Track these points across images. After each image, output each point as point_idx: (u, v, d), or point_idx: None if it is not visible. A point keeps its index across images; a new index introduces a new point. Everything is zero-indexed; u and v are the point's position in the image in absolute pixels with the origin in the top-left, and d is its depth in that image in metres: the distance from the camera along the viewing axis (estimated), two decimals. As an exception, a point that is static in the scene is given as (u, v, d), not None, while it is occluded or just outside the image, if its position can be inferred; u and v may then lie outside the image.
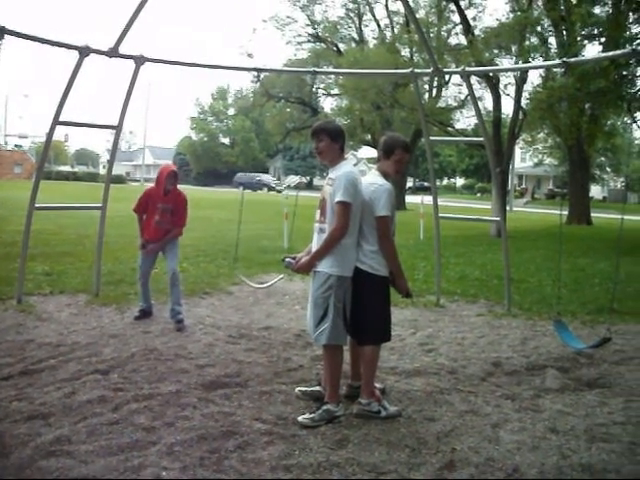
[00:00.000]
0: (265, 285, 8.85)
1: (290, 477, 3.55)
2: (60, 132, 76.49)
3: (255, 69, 8.78)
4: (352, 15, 35.39)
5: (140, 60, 7.83)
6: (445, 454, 3.91)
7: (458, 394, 5.10)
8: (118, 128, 8.23)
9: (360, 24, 35.60)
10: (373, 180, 4.67)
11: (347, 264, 4.51)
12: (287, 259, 4.80)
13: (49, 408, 4.39)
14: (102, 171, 76.50)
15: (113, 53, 7.45)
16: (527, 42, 19.41)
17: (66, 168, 78.45)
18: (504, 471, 3.71)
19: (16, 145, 79.26)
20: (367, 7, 34.55)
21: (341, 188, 4.38)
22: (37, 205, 7.82)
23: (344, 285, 4.50)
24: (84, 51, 7.21)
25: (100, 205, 8.39)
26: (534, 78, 49.27)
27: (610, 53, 9.91)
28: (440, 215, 9.02)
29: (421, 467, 3.74)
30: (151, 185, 7.44)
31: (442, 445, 4.06)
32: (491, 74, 19.62)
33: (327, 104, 41.72)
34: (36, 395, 4.66)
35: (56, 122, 7.49)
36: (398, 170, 4.77)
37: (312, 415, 4.35)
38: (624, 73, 16.82)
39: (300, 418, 4.34)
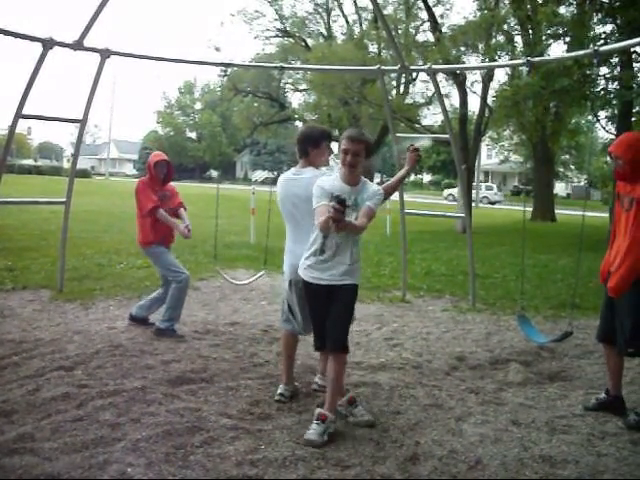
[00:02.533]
0: (246, 282, 8.77)
1: (255, 472, 3.57)
2: (23, 125, 75.28)
3: (222, 64, 8.73)
4: (320, 10, 35.33)
5: (105, 53, 7.75)
6: (409, 447, 3.96)
7: (423, 388, 5.16)
8: (83, 122, 8.14)
9: (328, 19, 35.57)
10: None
11: (286, 266, 4.78)
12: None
13: (12, 405, 4.33)
14: (66, 165, 75.39)
15: (78, 46, 7.36)
16: (493, 40, 19.65)
17: (29, 162, 77.06)
18: (467, 463, 3.77)
19: (-23, 138, 77.68)
20: (336, 2, 34.52)
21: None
22: (-1, 200, 7.70)
23: (287, 282, 4.78)
24: (48, 43, 7.10)
25: (64, 200, 8.28)
26: (500, 76, 49.69)
27: (573, 53, 10.07)
28: (406, 211, 9.09)
29: (385, 460, 3.78)
30: (141, 179, 6.91)
31: (406, 438, 4.11)
32: (458, 71, 19.80)
33: (295, 99, 41.66)
34: (-2, 392, 4.61)
35: (19, 115, 7.36)
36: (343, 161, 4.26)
37: None
38: (587, 72, 17.08)
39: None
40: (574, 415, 4.65)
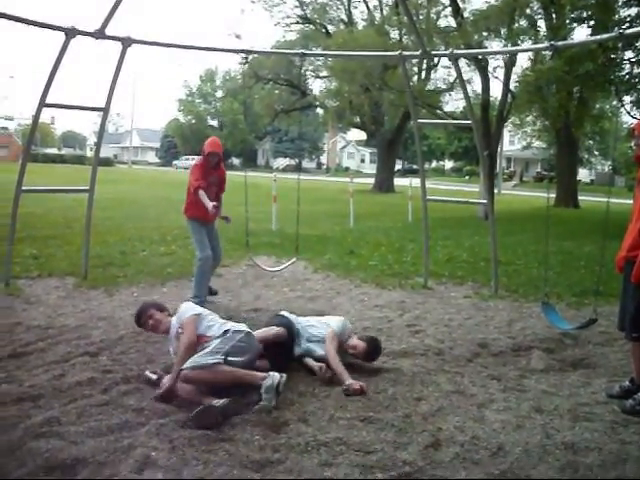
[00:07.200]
0: (279, 268, 8.80)
1: (278, 456, 3.59)
2: (46, 114, 75.95)
3: (243, 51, 8.73)
4: (341, -4, 35.16)
5: (127, 41, 7.78)
6: (431, 433, 3.96)
7: (445, 375, 5.16)
8: (105, 110, 8.19)
9: (349, 5, 35.38)
10: None
11: None
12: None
13: (38, 390, 4.41)
14: (89, 153, 76.07)
15: (100, 34, 7.39)
16: (516, 25, 19.39)
17: (53, 150, 77.95)
18: (489, 450, 3.76)
19: (2, 127, 78.70)
20: (356, -12, 34.35)
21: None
22: (24, 188, 7.78)
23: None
24: (70, 32, 7.15)
25: (87, 188, 8.37)
26: (523, 61, 49.16)
27: (597, 37, 9.91)
28: (428, 198, 9.05)
29: (407, 446, 3.79)
30: (197, 161, 7.64)
31: (428, 424, 4.11)
32: (480, 57, 19.62)
33: (316, 86, 41.65)
34: (25, 377, 4.69)
35: (42, 104, 7.43)
36: None
37: None
38: (612, 56, 16.83)
39: None
40: (597, 402, 4.62)
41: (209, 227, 7.49)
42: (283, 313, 5.53)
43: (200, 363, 4.32)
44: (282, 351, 5.09)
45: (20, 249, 9.81)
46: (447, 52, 9.45)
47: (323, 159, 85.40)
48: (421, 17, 23.34)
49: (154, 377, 4.64)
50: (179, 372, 4.36)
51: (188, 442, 3.70)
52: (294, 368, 5.08)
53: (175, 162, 73.58)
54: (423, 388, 4.82)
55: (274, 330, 5.13)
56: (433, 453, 3.72)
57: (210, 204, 7.11)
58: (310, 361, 5.11)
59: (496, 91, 23.66)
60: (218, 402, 4.06)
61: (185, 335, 4.53)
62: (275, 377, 4.32)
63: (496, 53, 20.70)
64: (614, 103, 27.76)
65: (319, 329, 5.31)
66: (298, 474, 3.42)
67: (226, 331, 4.67)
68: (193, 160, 62.79)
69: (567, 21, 18.42)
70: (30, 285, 8.08)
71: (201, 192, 7.19)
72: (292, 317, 5.43)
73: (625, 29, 7.42)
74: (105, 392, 4.44)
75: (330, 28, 34.92)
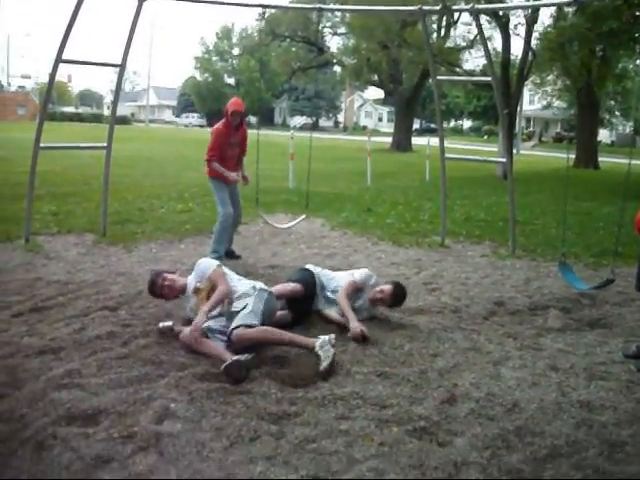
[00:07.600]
0: (288, 225, 8.82)
1: (295, 409, 3.64)
2: (63, 72, 75.69)
3: (260, 5, 8.60)
4: (360, -50, 34.43)
5: (143, -4, 7.69)
6: (447, 389, 3.99)
7: (461, 332, 5.18)
8: (122, 66, 8.14)
9: (368, -40, 34.68)
10: None
11: None
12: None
13: (59, 343, 4.48)
14: (106, 112, 75.89)
15: (116, -12, 7.32)
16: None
17: (70, 109, 77.87)
18: (504, 406, 3.79)
19: (19, 86, 78.69)
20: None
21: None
22: (42, 145, 7.80)
23: None
24: (86, -13, 7.08)
25: (105, 145, 8.37)
26: (545, 18, 48.16)
27: (623, -9, 9.67)
28: (446, 156, 8.96)
29: (423, 401, 3.82)
30: (218, 124, 7.48)
31: (444, 380, 4.14)
32: (501, 13, 19.22)
33: (333, 43, 41.09)
34: (46, 331, 4.75)
35: (59, 60, 7.39)
36: None
37: None
38: (637, 14, 16.41)
39: None
40: (613, 362, 4.63)
41: (231, 186, 7.52)
42: (307, 266, 5.63)
43: (249, 322, 4.43)
44: (300, 305, 5.16)
45: (39, 206, 9.88)
46: (468, 7, 9.27)
47: (340, 118, 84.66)
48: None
49: (170, 323, 4.71)
50: (206, 313, 4.51)
51: (206, 394, 3.75)
52: (311, 322, 5.14)
53: (176, 119, 74.54)
54: (439, 345, 4.84)
55: (290, 286, 5.19)
56: (448, 408, 3.75)
57: (231, 174, 7.28)
58: (337, 316, 5.18)
59: (517, 49, 23.25)
60: (242, 356, 4.10)
61: (221, 285, 4.63)
62: (324, 337, 4.41)
63: (518, 7, 20.17)
64: (638, 62, 27.15)
65: (342, 281, 5.38)
66: (315, 426, 3.47)
67: (254, 287, 4.77)
68: (193, 118, 62.67)
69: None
70: (50, 241, 8.16)
71: (215, 164, 7.30)
72: (317, 270, 5.52)
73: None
74: (124, 345, 4.51)
75: (348, -17, 34.32)
